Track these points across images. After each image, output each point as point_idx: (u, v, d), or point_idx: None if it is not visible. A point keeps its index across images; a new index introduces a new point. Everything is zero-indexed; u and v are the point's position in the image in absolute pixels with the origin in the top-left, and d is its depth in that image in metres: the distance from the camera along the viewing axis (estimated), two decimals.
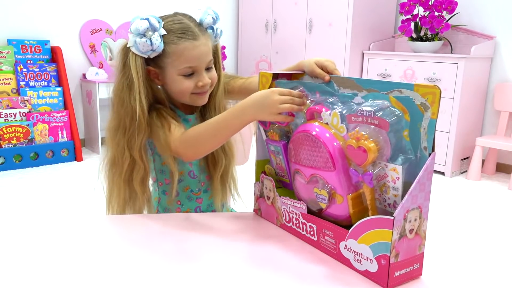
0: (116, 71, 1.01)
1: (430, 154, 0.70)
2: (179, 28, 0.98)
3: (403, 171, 0.71)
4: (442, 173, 3.35)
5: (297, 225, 0.87)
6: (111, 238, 0.89)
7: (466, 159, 3.43)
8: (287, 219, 0.90)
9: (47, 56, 3.48)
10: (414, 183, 0.68)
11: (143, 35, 0.95)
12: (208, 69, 1.03)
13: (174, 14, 1.03)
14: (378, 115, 0.71)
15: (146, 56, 0.98)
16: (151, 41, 0.95)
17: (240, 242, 0.87)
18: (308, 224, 0.84)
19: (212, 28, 1.04)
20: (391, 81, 0.75)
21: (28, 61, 3.39)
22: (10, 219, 2.26)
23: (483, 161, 3.41)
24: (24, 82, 3.33)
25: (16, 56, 3.34)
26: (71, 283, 0.71)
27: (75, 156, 3.42)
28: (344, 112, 0.77)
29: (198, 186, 1.13)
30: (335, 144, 0.77)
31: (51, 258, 0.79)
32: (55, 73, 3.46)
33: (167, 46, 0.98)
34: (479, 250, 2.14)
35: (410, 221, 0.69)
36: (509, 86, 3.30)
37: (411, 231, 0.70)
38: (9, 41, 3.33)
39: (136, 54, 0.96)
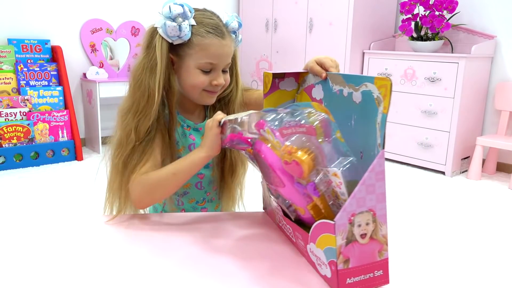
0: (139, 52, 1.01)
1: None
2: (209, 23, 0.98)
3: (343, 174, 0.68)
4: (443, 173, 3.35)
5: (283, 225, 0.88)
6: (111, 238, 0.88)
7: (467, 158, 3.43)
8: (279, 219, 0.91)
9: (48, 56, 3.48)
10: (359, 185, 0.64)
11: (174, 20, 0.94)
12: (224, 71, 1.03)
13: (204, 9, 1.02)
14: (303, 122, 0.70)
15: (171, 41, 0.96)
16: (180, 27, 0.94)
17: (229, 241, 0.87)
18: (287, 226, 0.85)
19: (235, 33, 1.03)
20: (362, 75, 0.73)
21: (29, 61, 3.40)
22: (11, 218, 2.26)
23: (484, 160, 3.41)
24: (25, 82, 3.34)
25: (17, 55, 3.34)
26: (71, 282, 0.71)
27: (76, 155, 3.42)
28: (275, 125, 0.74)
29: (203, 196, 1.13)
30: (280, 161, 0.74)
31: (51, 257, 0.79)
32: (55, 73, 3.47)
33: (193, 37, 0.97)
34: (479, 249, 2.14)
35: (359, 225, 0.66)
36: (510, 86, 3.30)
37: (363, 236, 0.66)
38: (10, 41, 3.33)
39: (162, 38, 0.96)
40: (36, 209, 2.44)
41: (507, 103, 3.30)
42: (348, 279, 0.67)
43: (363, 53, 3.71)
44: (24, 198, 2.62)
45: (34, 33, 3.45)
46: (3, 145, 3.12)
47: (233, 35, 1.03)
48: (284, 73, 0.96)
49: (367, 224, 0.66)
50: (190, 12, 0.96)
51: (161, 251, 0.82)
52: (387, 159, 3.67)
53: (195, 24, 0.96)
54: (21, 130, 3.17)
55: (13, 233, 0.89)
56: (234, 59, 1.08)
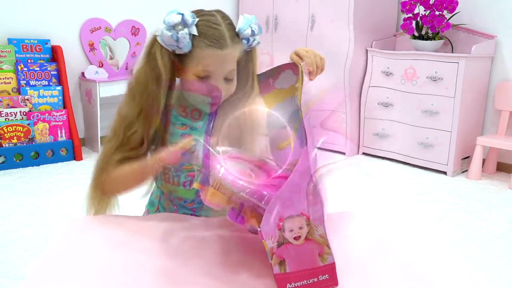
0: (141, 56, 0.98)
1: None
2: (212, 34, 0.93)
3: (246, 193, 0.70)
4: (444, 172, 3.35)
5: None
6: (111, 237, 0.88)
7: (467, 158, 3.43)
8: None
9: (48, 55, 3.48)
10: (283, 188, 0.62)
11: (174, 28, 0.91)
12: (227, 79, 0.98)
13: (211, 14, 0.97)
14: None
15: (171, 50, 0.94)
16: (177, 38, 0.91)
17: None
18: None
19: (248, 40, 0.99)
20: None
21: (29, 60, 3.39)
22: (11, 218, 2.25)
23: (484, 160, 3.41)
24: (25, 81, 3.34)
25: (17, 55, 3.34)
26: (71, 282, 0.71)
27: (74, 155, 3.42)
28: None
29: (191, 197, 1.10)
30: None
31: (51, 256, 0.79)
32: (55, 72, 3.46)
33: (193, 49, 0.94)
34: (479, 250, 2.14)
35: (291, 230, 0.64)
36: (510, 86, 3.29)
37: (296, 238, 0.65)
38: (10, 40, 3.33)
39: (162, 46, 0.94)
40: (36, 209, 2.44)
41: (507, 103, 3.30)
42: (288, 284, 0.65)
43: (367, 50, 3.69)
44: (24, 198, 2.62)
45: (34, 33, 3.45)
46: (3, 145, 3.12)
47: (245, 41, 0.99)
48: (279, 70, 0.95)
49: (300, 228, 0.65)
50: (192, 20, 0.92)
51: (159, 249, 0.82)
52: (387, 159, 3.67)
53: (197, 34, 0.93)
54: (21, 130, 3.17)
55: (13, 232, 0.89)
56: (252, 61, 1.03)
